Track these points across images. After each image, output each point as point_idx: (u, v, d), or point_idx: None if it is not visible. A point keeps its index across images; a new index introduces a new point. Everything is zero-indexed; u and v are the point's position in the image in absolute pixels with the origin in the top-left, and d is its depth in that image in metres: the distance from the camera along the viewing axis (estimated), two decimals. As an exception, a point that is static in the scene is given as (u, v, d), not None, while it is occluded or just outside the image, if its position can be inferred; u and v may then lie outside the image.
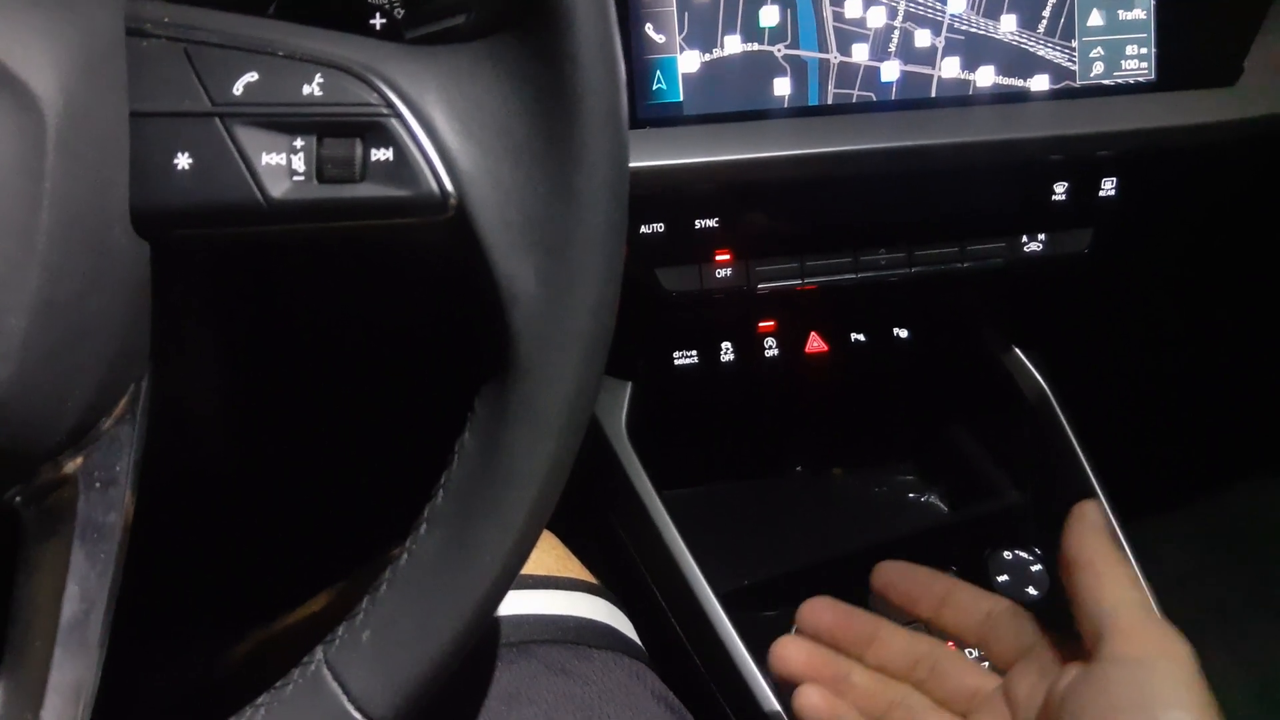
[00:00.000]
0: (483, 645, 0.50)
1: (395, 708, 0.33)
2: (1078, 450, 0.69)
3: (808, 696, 0.50)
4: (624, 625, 0.57)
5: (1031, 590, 0.67)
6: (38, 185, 0.27)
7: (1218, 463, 0.94)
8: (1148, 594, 0.46)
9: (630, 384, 0.69)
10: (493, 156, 0.32)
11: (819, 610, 0.53)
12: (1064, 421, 0.70)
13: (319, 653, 0.34)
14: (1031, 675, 0.46)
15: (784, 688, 0.52)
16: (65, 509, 0.32)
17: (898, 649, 0.51)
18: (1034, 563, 0.68)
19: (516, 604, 0.53)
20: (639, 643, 0.57)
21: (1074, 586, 0.45)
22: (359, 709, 0.33)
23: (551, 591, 0.54)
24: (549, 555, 0.57)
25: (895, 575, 0.53)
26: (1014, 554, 0.69)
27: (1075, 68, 0.58)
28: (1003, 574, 0.67)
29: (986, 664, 0.49)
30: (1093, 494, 0.67)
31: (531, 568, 0.55)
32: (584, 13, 0.30)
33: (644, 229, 0.56)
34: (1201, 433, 0.94)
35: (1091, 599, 0.44)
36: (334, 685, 0.33)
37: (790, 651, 0.52)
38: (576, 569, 0.58)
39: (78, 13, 0.29)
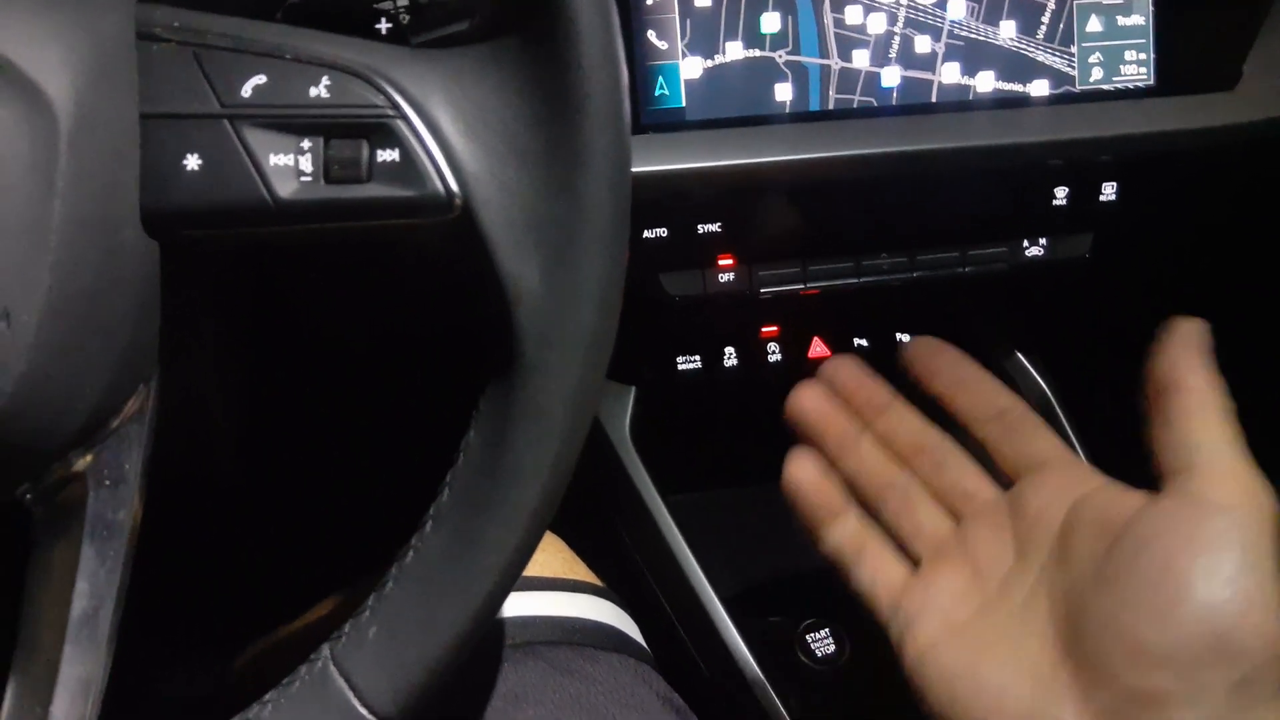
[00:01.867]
0: (488, 646, 0.50)
1: (401, 704, 0.33)
2: (1081, 455, 0.69)
3: (800, 465, 0.49)
4: (629, 627, 0.57)
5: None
6: (50, 186, 0.28)
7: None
8: (1238, 433, 0.41)
9: (634, 389, 0.69)
10: (497, 158, 0.32)
11: (842, 366, 0.51)
12: (1067, 426, 0.70)
13: (325, 650, 0.34)
14: (1045, 493, 0.44)
15: (794, 434, 0.51)
16: (75, 507, 0.33)
17: (907, 429, 0.49)
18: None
19: (522, 605, 0.53)
20: (644, 645, 0.57)
21: (1161, 410, 0.42)
22: (365, 705, 0.33)
23: (557, 593, 0.55)
24: (555, 558, 0.57)
25: (923, 348, 0.51)
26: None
27: (1075, 73, 0.59)
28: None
29: None
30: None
31: (538, 570, 0.55)
32: (587, 17, 0.31)
33: (647, 234, 0.57)
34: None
35: (1181, 427, 0.41)
36: (340, 682, 0.33)
37: (807, 396, 0.50)
38: (583, 572, 0.58)
39: (89, 17, 0.30)
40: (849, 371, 0.51)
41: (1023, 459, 0.46)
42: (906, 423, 0.49)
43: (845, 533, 0.48)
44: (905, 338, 0.70)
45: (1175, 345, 0.43)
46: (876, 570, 0.47)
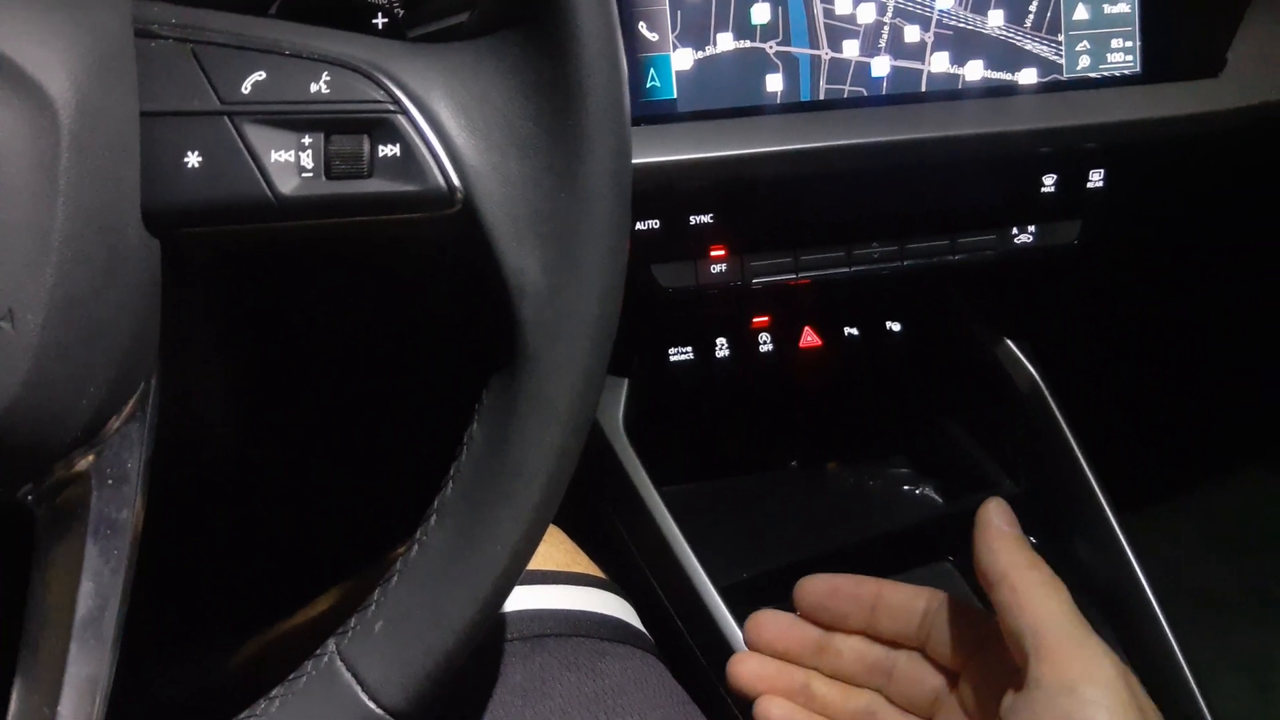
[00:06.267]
0: (496, 640, 0.50)
1: (409, 697, 0.33)
2: (1070, 440, 0.69)
3: (768, 707, 0.50)
4: (635, 619, 0.57)
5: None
6: (52, 184, 0.28)
7: (1210, 452, 0.95)
8: (1069, 602, 0.43)
9: (627, 381, 0.69)
10: (498, 151, 0.32)
11: (764, 625, 0.53)
12: (1056, 412, 0.70)
13: (331, 644, 0.34)
14: (982, 682, 0.45)
15: (744, 703, 0.53)
16: (78, 506, 0.32)
17: (851, 656, 0.50)
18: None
19: (529, 599, 0.53)
20: (649, 635, 0.58)
21: (995, 604, 0.43)
22: (373, 699, 0.33)
23: (563, 586, 0.55)
24: (558, 550, 0.57)
25: (820, 592, 0.52)
26: (1009, 543, 0.69)
27: (1062, 61, 0.59)
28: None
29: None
30: (1086, 482, 0.68)
31: (542, 563, 0.55)
32: (586, 9, 0.31)
33: (639, 226, 0.57)
34: (1194, 422, 0.95)
35: (1013, 617, 0.42)
36: (347, 676, 0.33)
37: (744, 669, 0.52)
38: (585, 563, 0.58)
39: (88, 15, 0.29)
40: (774, 629, 0.52)
41: (956, 652, 0.47)
42: (846, 651, 0.50)
43: None
44: (896, 326, 0.71)
45: (988, 537, 0.45)
46: None
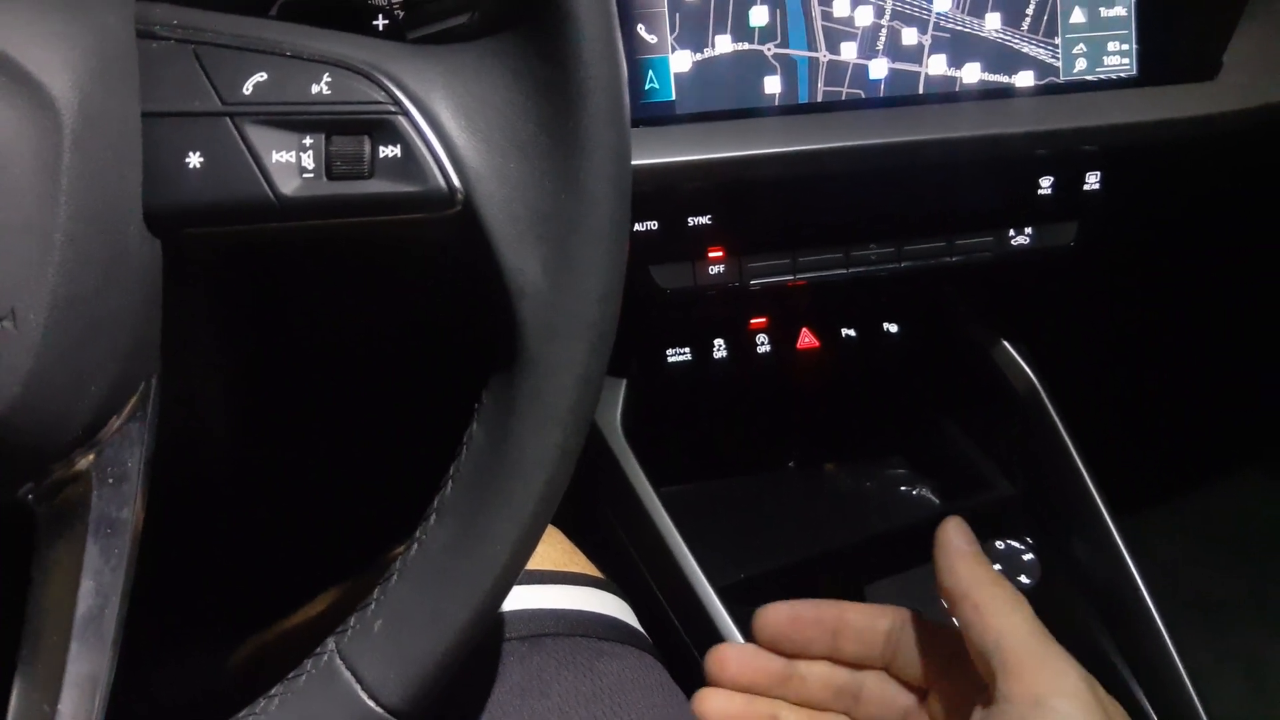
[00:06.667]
0: (494, 639, 0.50)
1: (408, 696, 0.33)
2: (1067, 441, 0.70)
3: None
4: (633, 619, 0.58)
5: (1024, 579, 0.68)
6: (55, 185, 0.28)
7: (1207, 454, 0.95)
8: (1032, 616, 0.43)
9: (624, 381, 0.69)
10: (498, 152, 0.32)
11: (727, 660, 0.52)
12: (1053, 413, 0.71)
13: (331, 643, 0.34)
14: (950, 699, 0.45)
15: None
16: (78, 505, 0.33)
17: (816, 682, 0.50)
18: (1025, 552, 0.69)
19: (527, 598, 0.53)
20: (648, 636, 0.58)
21: (959, 621, 0.44)
22: (372, 697, 0.33)
23: (561, 586, 0.55)
24: (555, 549, 0.58)
25: (780, 620, 0.52)
26: (1006, 544, 0.69)
27: (1059, 64, 0.59)
28: (995, 563, 0.68)
29: None
30: (1083, 484, 0.68)
31: (540, 562, 0.55)
32: (587, 11, 0.31)
33: (638, 227, 0.57)
34: (1191, 424, 0.95)
35: (977, 634, 0.43)
36: (347, 674, 0.34)
37: (711, 704, 0.51)
38: (583, 563, 0.58)
39: (90, 16, 0.30)
40: (737, 662, 0.52)
41: (922, 672, 0.47)
42: (811, 678, 0.51)
43: None
44: (893, 328, 0.71)
45: (949, 556, 0.46)
46: None
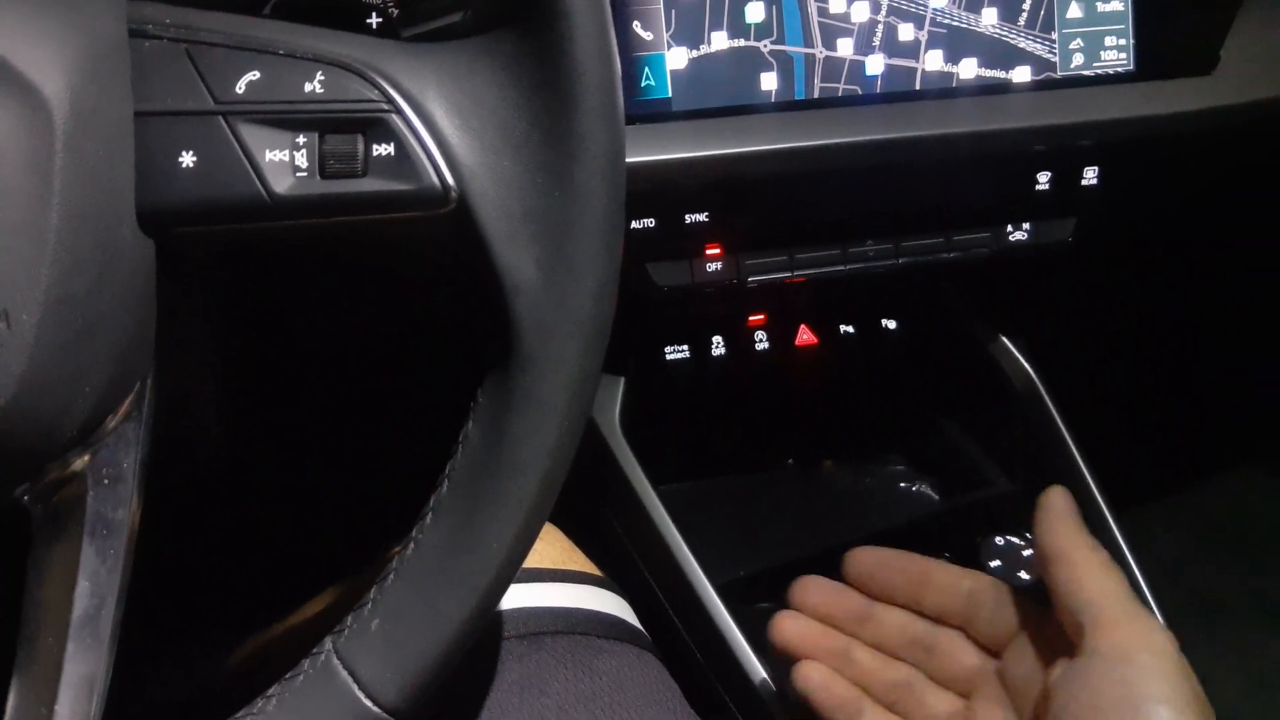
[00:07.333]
0: (493, 637, 0.50)
1: (406, 695, 0.33)
2: (1066, 438, 0.70)
3: (809, 672, 0.50)
4: (631, 617, 0.58)
5: (1024, 574, 0.67)
6: (47, 185, 0.28)
7: (1206, 450, 0.95)
8: (1125, 581, 0.45)
9: (623, 379, 0.69)
10: (492, 150, 0.32)
11: (810, 589, 0.53)
12: (1052, 409, 0.70)
13: (328, 643, 0.34)
14: (1027, 659, 0.46)
15: (784, 664, 0.52)
16: (74, 506, 0.33)
17: (893, 628, 0.51)
18: (1025, 547, 0.69)
19: (526, 596, 0.53)
20: (647, 634, 0.58)
21: (1051, 580, 0.45)
22: (370, 697, 0.33)
23: (560, 584, 0.55)
24: (554, 548, 0.58)
25: (870, 563, 0.52)
26: (1006, 539, 0.69)
27: (1056, 59, 0.59)
28: (995, 559, 0.68)
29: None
30: (1082, 481, 0.68)
31: (537, 560, 0.55)
32: (580, 8, 0.31)
33: (635, 224, 0.57)
34: (1190, 420, 0.95)
35: (1070, 592, 0.44)
36: (344, 674, 0.33)
37: (788, 626, 0.52)
38: (581, 561, 0.58)
39: (82, 15, 0.30)
40: (820, 593, 0.53)
41: (999, 632, 0.48)
42: (891, 621, 0.51)
43: None
44: (891, 324, 0.71)
45: (1046, 518, 0.47)
46: None
